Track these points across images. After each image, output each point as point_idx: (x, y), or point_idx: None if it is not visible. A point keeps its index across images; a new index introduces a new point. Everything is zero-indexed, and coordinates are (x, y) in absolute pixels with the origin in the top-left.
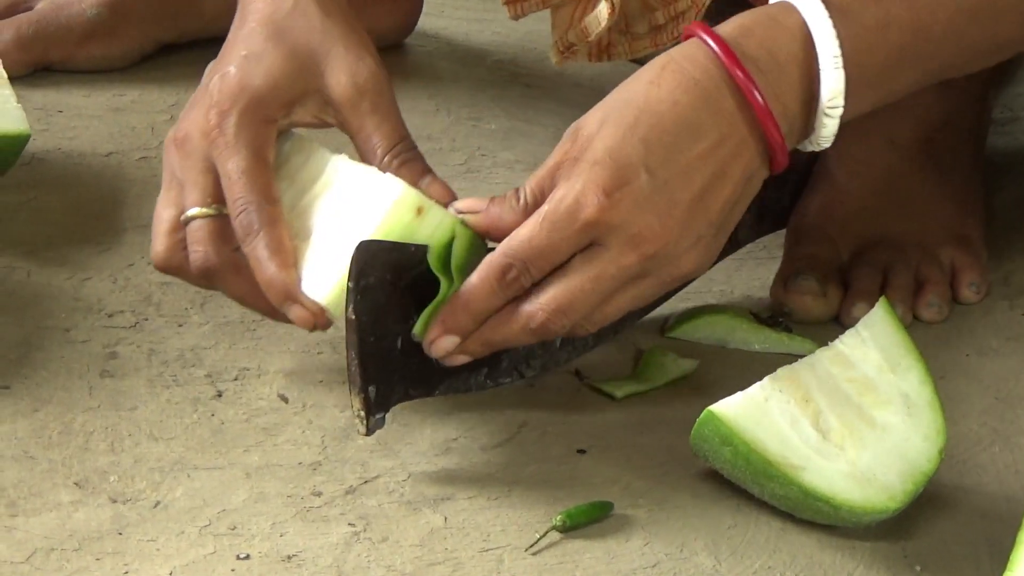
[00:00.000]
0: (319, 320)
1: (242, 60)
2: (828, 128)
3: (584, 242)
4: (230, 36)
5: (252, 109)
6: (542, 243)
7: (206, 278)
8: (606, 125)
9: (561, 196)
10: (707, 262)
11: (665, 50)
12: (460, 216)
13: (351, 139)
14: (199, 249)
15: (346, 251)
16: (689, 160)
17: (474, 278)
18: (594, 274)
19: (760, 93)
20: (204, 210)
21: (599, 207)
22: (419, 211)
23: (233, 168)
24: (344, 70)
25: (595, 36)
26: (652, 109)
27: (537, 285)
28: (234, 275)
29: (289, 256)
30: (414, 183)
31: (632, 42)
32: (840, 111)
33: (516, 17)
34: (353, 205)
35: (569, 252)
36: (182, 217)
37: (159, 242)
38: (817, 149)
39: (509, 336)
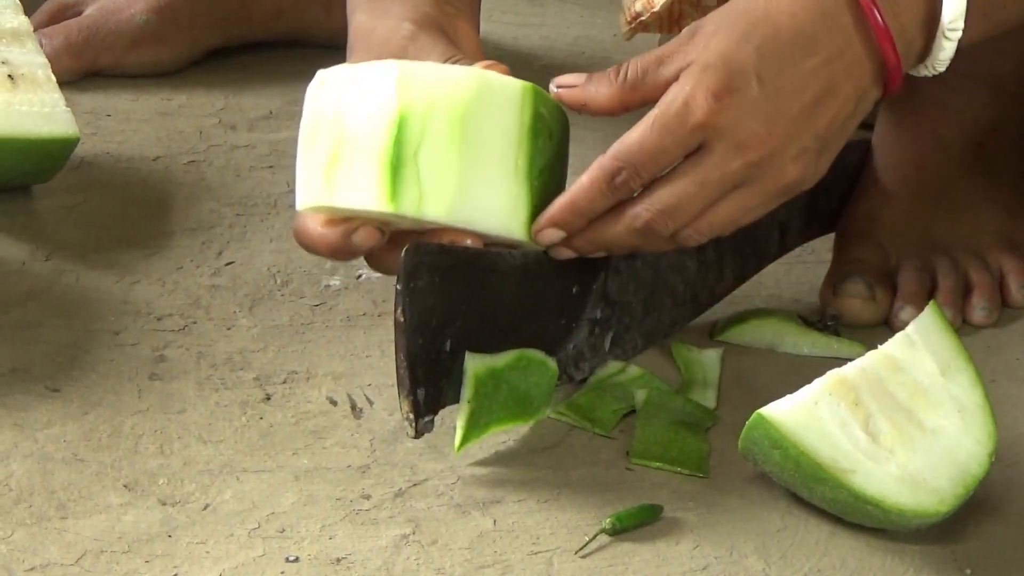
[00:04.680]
0: (373, 228)
1: None
2: (946, 51)
3: (693, 144)
4: None
5: None
6: (652, 146)
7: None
8: (722, 30)
9: (671, 99)
10: (811, 175)
11: None
12: (556, 92)
13: None
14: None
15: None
16: (801, 73)
17: (584, 179)
18: (700, 177)
19: (880, 12)
20: None
21: (708, 110)
22: (321, 83)
23: None
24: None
25: (661, 7)
26: (770, 19)
27: (644, 190)
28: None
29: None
30: None
31: (702, 14)
32: (960, 34)
33: None
34: None
35: (678, 155)
36: None
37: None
38: (932, 74)
39: (615, 236)
